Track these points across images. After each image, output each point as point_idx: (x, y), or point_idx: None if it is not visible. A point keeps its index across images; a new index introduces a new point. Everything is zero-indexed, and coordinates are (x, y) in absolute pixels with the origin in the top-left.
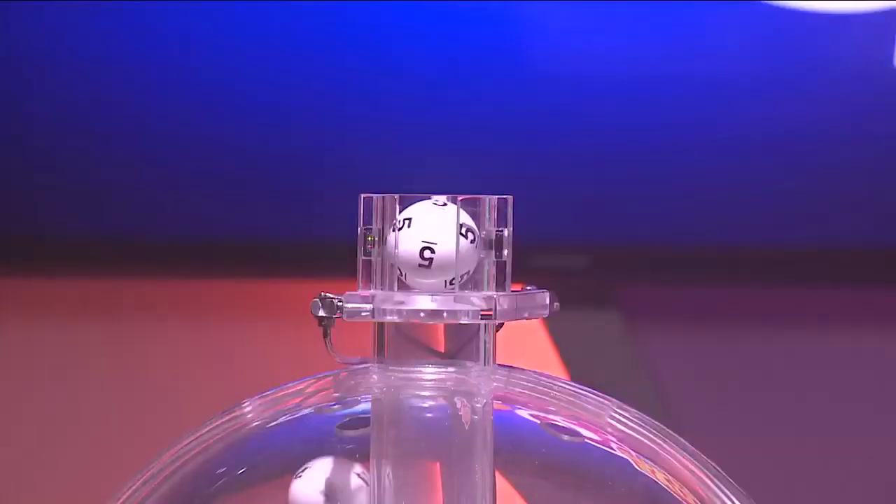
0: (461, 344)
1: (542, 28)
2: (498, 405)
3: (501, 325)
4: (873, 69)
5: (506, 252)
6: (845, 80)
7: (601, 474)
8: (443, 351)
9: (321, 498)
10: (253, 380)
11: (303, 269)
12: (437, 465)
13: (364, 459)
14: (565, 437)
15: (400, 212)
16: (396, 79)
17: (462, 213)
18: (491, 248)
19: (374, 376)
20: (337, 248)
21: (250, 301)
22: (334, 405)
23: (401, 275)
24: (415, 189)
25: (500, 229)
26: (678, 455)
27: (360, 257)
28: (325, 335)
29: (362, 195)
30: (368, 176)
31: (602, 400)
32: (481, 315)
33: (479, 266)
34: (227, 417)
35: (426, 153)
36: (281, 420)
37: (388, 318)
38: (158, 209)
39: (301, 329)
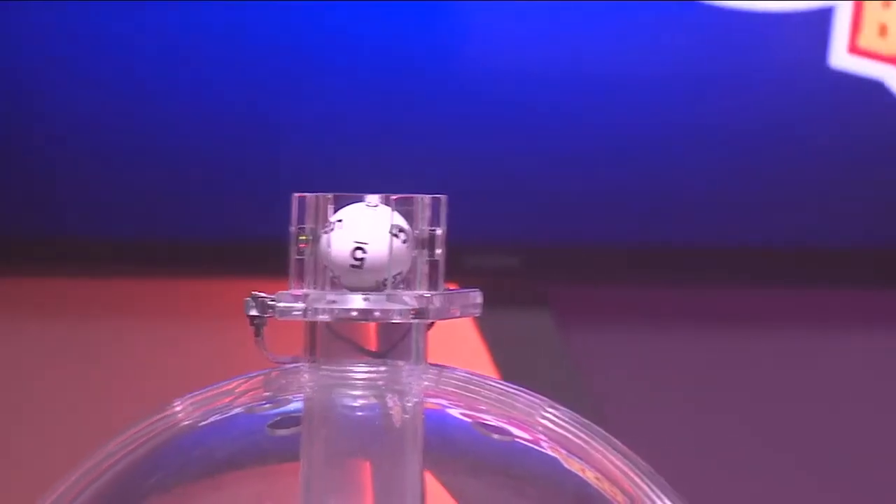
0: (393, 343)
1: (476, 28)
2: (429, 404)
3: (432, 323)
4: (808, 68)
5: (439, 251)
6: (780, 79)
7: (531, 473)
8: (375, 350)
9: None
10: (190, 379)
11: (242, 268)
12: (368, 463)
13: (295, 459)
14: (496, 436)
15: (334, 211)
16: (333, 79)
17: (395, 212)
18: (424, 248)
19: (306, 375)
20: (271, 248)
21: (190, 300)
22: (265, 404)
23: (334, 276)
24: (350, 189)
25: (434, 229)
26: (609, 454)
27: (293, 257)
28: (258, 334)
29: (296, 194)
30: (303, 175)
31: (533, 399)
32: (413, 314)
33: (412, 265)
34: (158, 417)
35: (361, 153)
36: (211, 419)
37: (321, 318)
38: (100, 210)
39: (240, 328)
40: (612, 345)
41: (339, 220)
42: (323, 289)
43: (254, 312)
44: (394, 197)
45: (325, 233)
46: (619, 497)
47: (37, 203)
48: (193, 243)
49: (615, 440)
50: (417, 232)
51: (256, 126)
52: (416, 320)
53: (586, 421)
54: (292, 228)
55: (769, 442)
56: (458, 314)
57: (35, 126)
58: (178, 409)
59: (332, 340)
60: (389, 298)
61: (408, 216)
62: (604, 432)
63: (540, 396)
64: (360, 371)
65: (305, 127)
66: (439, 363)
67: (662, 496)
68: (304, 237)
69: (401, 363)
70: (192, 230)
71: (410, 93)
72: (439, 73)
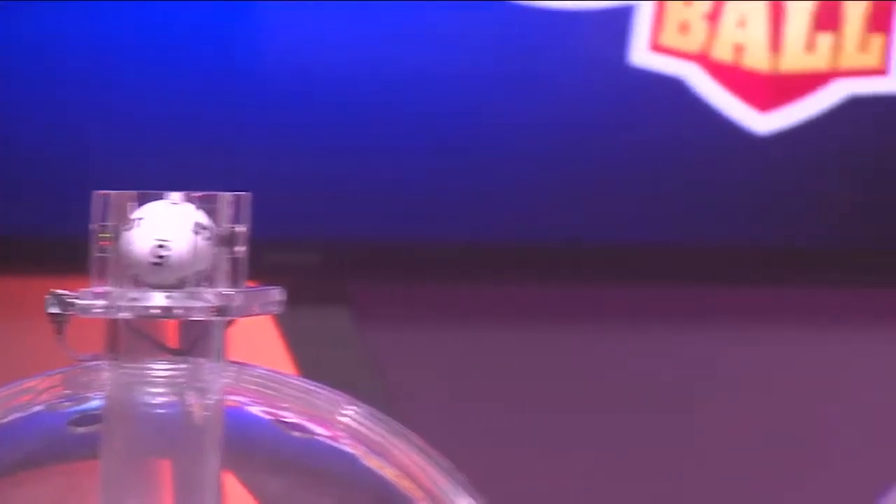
0: (194, 340)
1: (276, 28)
2: (229, 402)
3: (233, 321)
4: (609, 65)
5: (241, 249)
6: (581, 76)
7: (331, 470)
8: (176, 347)
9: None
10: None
11: (54, 266)
12: (168, 461)
13: (95, 456)
14: (296, 434)
15: (136, 209)
16: (138, 80)
17: (197, 210)
18: (226, 245)
19: (107, 373)
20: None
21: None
22: (66, 402)
23: (136, 274)
24: (153, 187)
25: (236, 226)
26: (408, 451)
27: (94, 255)
28: (59, 332)
29: (97, 192)
30: (110, 173)
31: (333, 396)
32: (214, 311)
33: (214, 263)
34: None
35: (165, 151)
36: (11, 417)
37: (122, 315)
38: None
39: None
40: (413, 342)
41: (141, 218)
42: (125, 287)
43: (54, 310)
44: (196, 194)
45: (126, 230)
46: (418, 493)
47: None
48: (3, 240)
49: (415, 437)
50: (219, 229)
51: (62, 123)
52: (218, 318)
53: (386, 418)
54: (93, 226)
55: (571, 440)
56: (258, 312)
57: None
58: None
59: (133, 338)
60: (191, 296)
61: (210, 214)
62: (404, 429)
63: (340, 394)
64: (161, 369)
65: (110, 125)
66: (239, 361)
67: (462, 493)
68: (105, 235)
69: (201, 361)
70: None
71: (212, 91)
72: (239, 71)
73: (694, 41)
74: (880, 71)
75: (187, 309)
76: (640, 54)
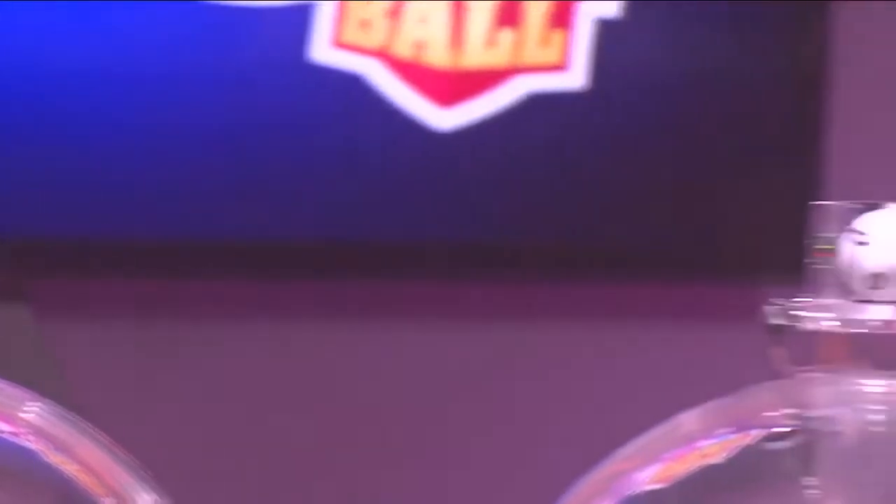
0: None
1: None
2: None
3: None
4: (289, 62)
5: None
6: (260, 73)
7: (12, 466)
8: None
9: None
10: None
11: None
12: None
13: None
14: None
15: None
16: None
17: None
18: None
19: None
20: None
21: None
22: None
23: None
24: None
25: None
26: (92, 447)
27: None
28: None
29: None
30: None
31: (15, 392)
32: None
33: None
34: None
35: None
36: None
37: None
38: None
39: None
40: (94, 339)
41: None
42: None
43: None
44: None
45: None
46: (101, 490)
47: None
48: None
49: (99, 434)
50: None
51: None
52: None
53: (69, 415)
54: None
55: (262, 438)
56: None
57: None
58: None
59: None
60: None
61: None
62: (87, 426)
63: (22, 390)
64: None
65: None
66: None
67: (144, 489)
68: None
69: None
70: None
71: None
72: None
73: (375, 38)
74: (560, 66)
75: None
76: (322, 51)
